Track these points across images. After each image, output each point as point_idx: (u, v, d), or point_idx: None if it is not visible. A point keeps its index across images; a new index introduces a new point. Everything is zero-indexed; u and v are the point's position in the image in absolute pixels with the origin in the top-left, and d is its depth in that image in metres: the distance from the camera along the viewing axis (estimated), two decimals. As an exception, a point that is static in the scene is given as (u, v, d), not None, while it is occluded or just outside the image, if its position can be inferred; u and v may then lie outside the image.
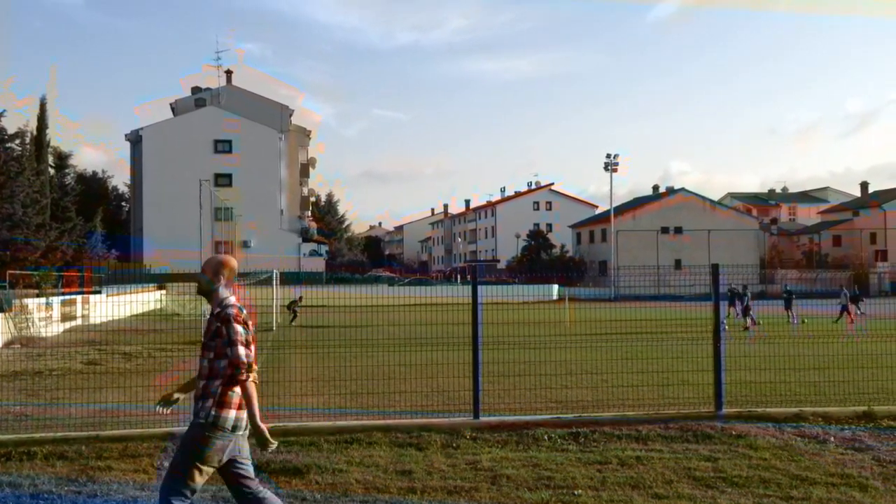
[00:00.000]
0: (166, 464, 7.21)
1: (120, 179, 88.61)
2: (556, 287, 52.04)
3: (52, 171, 61.14)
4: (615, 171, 70.22)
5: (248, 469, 4.71)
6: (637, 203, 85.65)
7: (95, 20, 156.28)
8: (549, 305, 34.94)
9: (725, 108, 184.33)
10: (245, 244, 64.16)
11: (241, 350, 4.51)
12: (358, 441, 8.02)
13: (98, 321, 24.09)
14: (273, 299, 27.83)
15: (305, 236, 74.90)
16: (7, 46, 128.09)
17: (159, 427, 8.45)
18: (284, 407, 10.28)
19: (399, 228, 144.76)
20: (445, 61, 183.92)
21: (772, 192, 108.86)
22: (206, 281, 4.75)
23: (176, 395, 4.94)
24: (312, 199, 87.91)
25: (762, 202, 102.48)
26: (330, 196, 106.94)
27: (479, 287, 9.39)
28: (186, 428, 4.67)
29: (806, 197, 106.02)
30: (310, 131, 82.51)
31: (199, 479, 4.55)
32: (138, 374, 13.73)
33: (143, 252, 62.30)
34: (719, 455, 7.48)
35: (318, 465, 7.10)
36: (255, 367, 4.62)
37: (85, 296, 28.72)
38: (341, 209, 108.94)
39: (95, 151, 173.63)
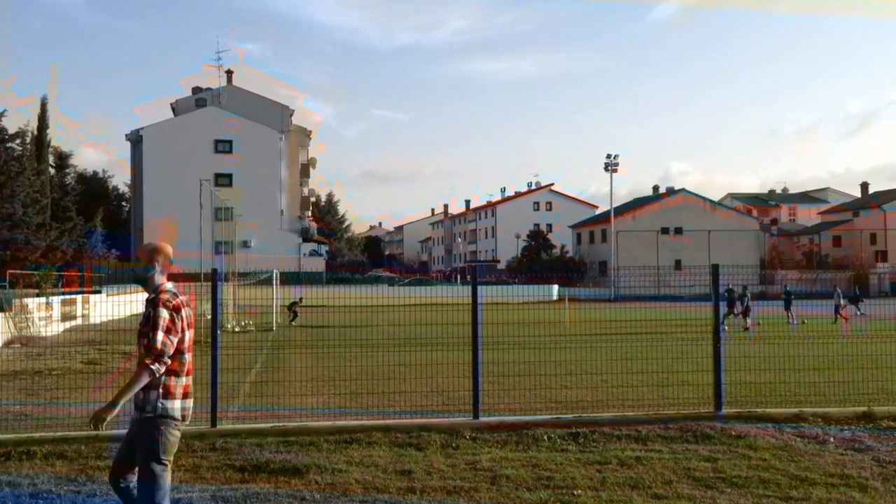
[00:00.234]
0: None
1: (120, 179, 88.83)
2: (555, 287, 52.03)
3: (52, 170, 61.12)
4: (615, 171, 70.23)
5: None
6: (637, 203, 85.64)
7: (96, 20, 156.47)
8: (548, 306, 34.94)
9: (726, 108, 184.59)
10: (245, 244, 64.15)
11: (160, 336, 4.44)
12: (357, 441, 8.02)
13: (98, 321, 24.08)
14: (273, 299, 27.85)
15: (305, 236, 74.91)
16: (8, 46, 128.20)
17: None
18: (284, 407, 10.29)
19: (399, 228, 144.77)
20: (446, 62, 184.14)
21: (772, 192, 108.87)
22: (143, 267, 4.71)
23: (110, 414, 4.45)
24: (312, 199, 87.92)
25: (762, 203, 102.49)
26: (330, 196, 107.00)
27: (479, 287, 9.40)
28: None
29: (806, 198, 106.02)
30: (310, 131, 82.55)
31: (168, 474, 4.57)
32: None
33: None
34: (719, 455, 7.48)
35: (318, 464, 7.10)
36: (188, 355, 4.60)
37: (85, 295, 28.72)
38: (341, 209, 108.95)
39: (96, 151, 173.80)
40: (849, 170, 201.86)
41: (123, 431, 4.85)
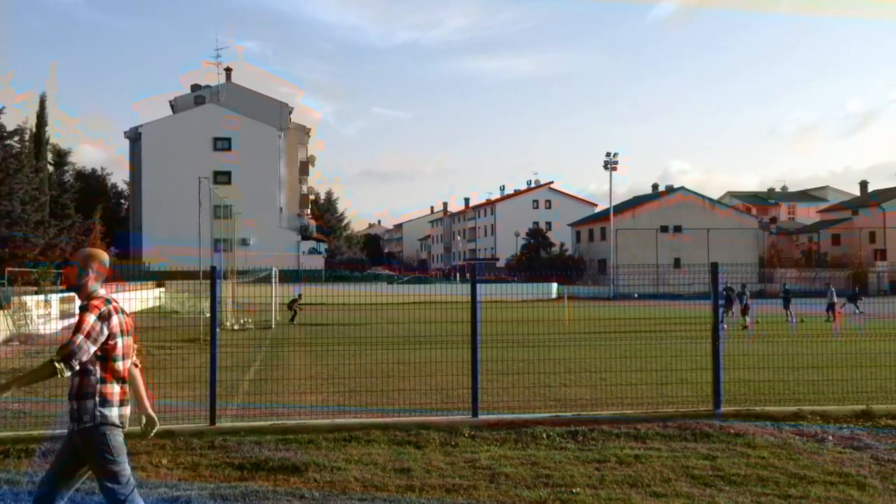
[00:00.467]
0: (164, 461, 7.21)
1: (119, 177, 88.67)
2: (555, 285, 52.07)
3: (51, 168, 61.13)
4: (615, 169, 70.21)
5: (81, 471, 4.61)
6: (636, 202, 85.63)
7: (95, 18, 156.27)
8: (548, 304, 34.97)
9: (725, 107, 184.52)
10: (244, 242, 64.11)
11: (78, 338, 4.37)
12: (356, 439, 8.02)
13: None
14: (272, 297, 27.84)
15: (305, 234, 74.85)
16: (7, 44, 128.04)
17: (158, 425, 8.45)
18: (283, 404, 10.29)
19: (398, 226, 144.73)
20: (445, 60, 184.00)
21: (771, 191, 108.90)
22: (77, 273, 4.66)
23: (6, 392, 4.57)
24: (312, 196, 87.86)
25: (761, 201, 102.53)
26: (329, 194, 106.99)
27: (478, 285, 9.41)
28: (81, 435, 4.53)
29: (805, 196, 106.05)
30: (309, 129, 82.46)
31: (127, 470, 4.53)
32: (137, 372, 13.73)
33: (143, 248, 62.39)
34: (717, 454, 7.49)
35: (317, 462, 7.10)
36: (124, 362, 4.54)
37: (84, 293, 28.66)
38: (340, 207, 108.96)
39: (95, 148, 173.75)
40: (848, 168, 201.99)
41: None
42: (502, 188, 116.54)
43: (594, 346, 17.01)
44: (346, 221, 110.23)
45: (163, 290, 39.14)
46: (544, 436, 8.17)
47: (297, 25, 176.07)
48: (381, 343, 16.68)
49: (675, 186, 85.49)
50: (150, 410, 4.93)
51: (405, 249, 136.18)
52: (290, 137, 75.14)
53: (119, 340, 4.58)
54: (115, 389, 4.55)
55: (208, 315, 9.21)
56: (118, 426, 4.53)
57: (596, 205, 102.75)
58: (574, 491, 6.28)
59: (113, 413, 4.52)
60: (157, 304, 37.66)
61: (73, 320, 4.58)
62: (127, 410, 4.62)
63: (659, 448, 7.74)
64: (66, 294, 26.85)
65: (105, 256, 4.79)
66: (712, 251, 67.76)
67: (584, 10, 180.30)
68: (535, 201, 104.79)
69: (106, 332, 4.49)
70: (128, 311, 4.76)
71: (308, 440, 7.97)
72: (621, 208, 79.88)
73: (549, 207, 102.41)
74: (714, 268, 9.69)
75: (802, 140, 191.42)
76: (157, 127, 68.85)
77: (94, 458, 4.51)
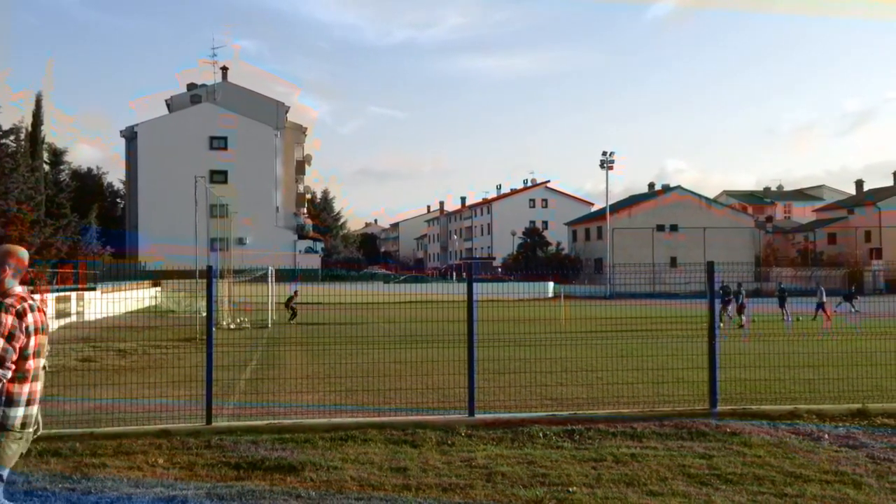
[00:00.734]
0: (160, 460, 7.20)
1: (115, 176, 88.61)
2: (551, 285, 52.07)
3: (46, 167, 60.99)
4: (611, 169, 70.14)
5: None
6: (633, 201, 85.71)
7: (91, 16, 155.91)
8: (544, 303, 35.00)
9: (722, 106, 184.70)
10: (240, 241, 64.05)
11: (1, 343, 4.30)
12: (353, 438, 8.02)
13: (93, 318, 24.02)
14: (269, 296, 27.81)
15: (301, 233, 74.80)
16: (3, 42, 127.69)
17: (154, 424, 8.46)
18: (279, 404, 10.29)
19: (395, 226, 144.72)
20: (442, 59, 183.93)
21: (767, 190, 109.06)
22: None
23: None
24: (308, 195, 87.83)
25: (757, 200, 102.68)
26: (326, 193, 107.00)
27: (475, 284, 9.42)
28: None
29: (801, 195, 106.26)
30: (306, 128, 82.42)
31: (4, 477, 4.40)
32: (133, 371, 13.73)
33: (139, 247, 62.30)
34: (714, 452, 7.50)
35: (313, 462, 7.10)
36: (35, 360, 4.43)
37: (79, 292, 28.64)
38: (337, 206, 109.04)
39: (90, 147, 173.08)
40: (844, 167, 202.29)
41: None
42: (499, 187, 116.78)
43: (590, 345, 17.02)
44: (342, 220, 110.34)
45: (159, 289, 39.08)
46: (541, 435, 8.18)
47: (293, 24, 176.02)
48: (378, 342, 16.69)
49: (672, 185, 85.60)
50: (38, 415, 4.66)
51: (402, 248, 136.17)
52: (286, 136, 75.06)
53: (32, 340, 4.47)
54: (23, 389, 4.41)
55: (204, 314, 9.20)
56: (17, 432, 4.37)
57: (592, 204, 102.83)
58: (570, 490, 6.28)
59: (18, 413, 4.38)
60: (154, 303, 37.62)
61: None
62: (33, 411, 4.48)
63: (655, 447, 7.75)
64: (61, 293, 26.80)
65: (24, 254, 4.66)
66: (708, 250, 67.89)
67: (581, 10, 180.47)
68: (532, 200, 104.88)
69: (23, 329, 4.41)
70: (42, 308, 4.65)
71: (304, 439, 7.97)
72: (617, 207, 79.93)
73: (546, 206, 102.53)
74: (710, 267, 9.70)
75: (799, 139, 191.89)
76: (153, 126, 68.71)
77: None
